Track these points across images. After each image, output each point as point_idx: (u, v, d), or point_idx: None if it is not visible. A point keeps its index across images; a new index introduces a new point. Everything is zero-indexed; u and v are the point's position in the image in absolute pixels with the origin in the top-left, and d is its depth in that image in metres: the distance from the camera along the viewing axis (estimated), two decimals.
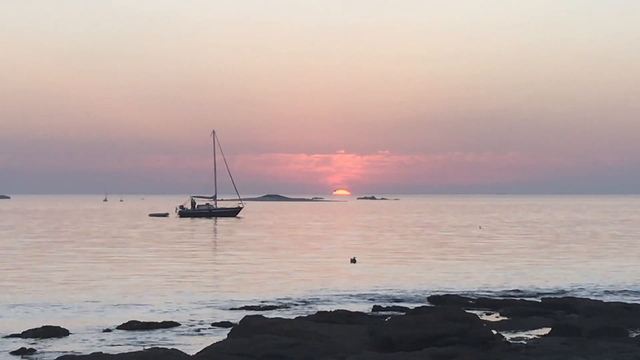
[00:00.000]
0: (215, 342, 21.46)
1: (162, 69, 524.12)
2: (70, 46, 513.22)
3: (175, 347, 21.73)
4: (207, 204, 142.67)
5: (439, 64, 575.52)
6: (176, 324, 27.09)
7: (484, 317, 28.77)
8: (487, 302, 32.29)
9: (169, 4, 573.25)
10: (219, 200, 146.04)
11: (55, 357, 20.57)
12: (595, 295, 35.08)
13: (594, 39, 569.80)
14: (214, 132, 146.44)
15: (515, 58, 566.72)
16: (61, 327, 25.44)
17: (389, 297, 34.63)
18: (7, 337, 24.67)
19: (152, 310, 30.44)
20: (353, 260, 51.96)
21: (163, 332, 25.92)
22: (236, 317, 27.71)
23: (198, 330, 26.38)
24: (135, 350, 21.11)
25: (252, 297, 34.35)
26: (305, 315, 27.57)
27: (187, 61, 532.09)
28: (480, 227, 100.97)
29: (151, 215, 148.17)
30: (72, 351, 22.41)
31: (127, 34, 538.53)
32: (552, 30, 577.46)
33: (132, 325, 26.46)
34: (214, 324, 27.29)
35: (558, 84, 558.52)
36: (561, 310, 29.33)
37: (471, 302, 32.80)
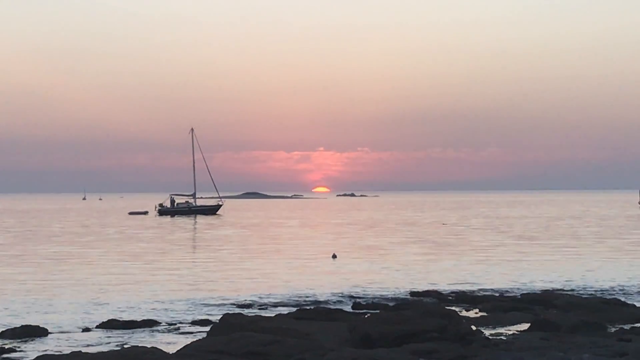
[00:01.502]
0: (195, 340, 21.45)
1: (140, 67, 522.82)
2: (48, 45, 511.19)
3: (155, 345, 21.69)
4: (187, 202, 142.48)
5: (418, 61, 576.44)
6: (156, 323, 27.05)
7: (464, 313, 28.87)
8: (466, 298, 32.41)
9: (148, 2, 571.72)
10: (198, 198, 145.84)
11: (34, 357, 20.50)
12: (574, 291, 35.23)
13: (572, 36, 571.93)
14: (192, 130, 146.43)
15: (494, 55, 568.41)
16: (40, 326, 25.36)
17: (368, 293, 34.67)
18: None
19: (131, 309, 30.38)
20: (334, 257, 52.06)
21: (143, 330, 25.88)
22: (216, 315, 27.71)
23: (178, 328, 26.34)
24: (115, 349, 21.11)
25: (232, 295, 34.34)
26: (285, 313, 27.58)
27: (166, 59, 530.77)
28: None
29: (130, 213, 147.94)
30: (52, 350, 22.35)
31: (106, 32, 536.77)
32: (530, 27, 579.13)
33: (111, 324, 26.41)
34: (193, 322, 27.26)
35: (536, 81, 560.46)
36: (540, 306, 29.44)
37: (450, 298, 32.93)
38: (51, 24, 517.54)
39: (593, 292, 34.80)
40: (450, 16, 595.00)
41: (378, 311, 28.29)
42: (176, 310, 30.10)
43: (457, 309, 29.03)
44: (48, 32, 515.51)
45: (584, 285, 37.67)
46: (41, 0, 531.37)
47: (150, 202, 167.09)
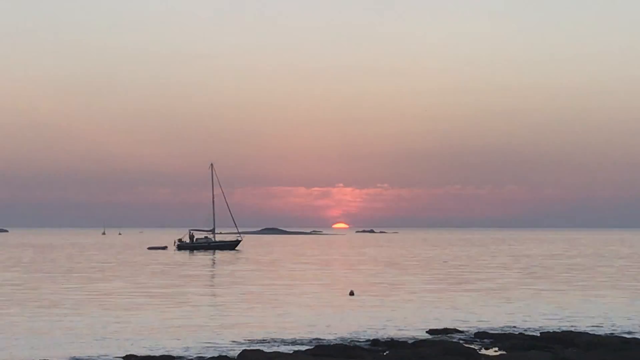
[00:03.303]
0: None
1: (160, 102, 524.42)
2: (68, 79, 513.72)
3: None
4: (206, 237, 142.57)
5: (438, 98, 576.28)
6: (174, 358, 27.00)
7: (483, 351, 28.71)
8: (485, 336, 32.24)
9: (166, 36, 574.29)
10: (217, 233, 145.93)
11: None
12: (594, 329, 35.00)
13: (590, 74, 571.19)
14: (212, 165, 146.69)
15: (514, 92, 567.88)
16: None
17: (386, 330, 34.54)
18: None
19: (149, 345, 30.35)
20: (351, 294, 51.93)
21: None
22: (234, 352, 27.66)
23: None
24: None
25: (250, 331, 34.27)
26: (304, 350, 27.51)
27: (186, 94, 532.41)
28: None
29: (150, 248, 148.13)
30: None
31: (125, 66, 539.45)
32: (549, 64, 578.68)
33: None
34: (211, 358, 27.20)
35: (556, 119, 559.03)
36: (560, 344, 29.25)
37: (470, 335, 32.77)
38: (71, 59, 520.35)
39: (613, 331, 34.56)
40: (470, 53, 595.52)
41: (397, 349, 28.21)
42: (194, 347, 30.04)
43: (476, 347, 28.91)
44: (68, 67, 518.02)
45: (604, 324, 37.42)
46: (62, 35, 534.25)
47: (170, 237, 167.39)
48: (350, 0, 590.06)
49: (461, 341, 30.59)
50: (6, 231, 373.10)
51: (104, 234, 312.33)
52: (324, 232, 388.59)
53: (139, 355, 27.05)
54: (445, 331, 33.72)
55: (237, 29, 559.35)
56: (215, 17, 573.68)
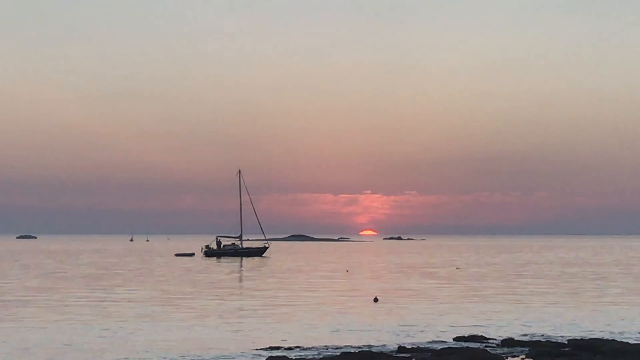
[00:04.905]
0: None
1: (188, 109, 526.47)
2: (97, 86, 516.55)
3: None
4: (233, 244, 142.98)
5: (466, 104, 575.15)
6: None
7: (510, 359, 28.55)
8: (512, 343, 32.07)
9: (195, 43, 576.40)
10: (244, 240, 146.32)
11: None
12: (622, 337, 34.73)
13: (621, 79, 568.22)
14: (239, 171, 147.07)
15: (543, 98, 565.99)
16: None
17: (412, 337, 34.41)
18: None
19: (174, 352, 30.37)
20: (376, 300, 51.88)
21: None
22: (260, 358, 27.61)
23: None
24: None
25: (276, 337, 34.24)
26: (329, 356, 27.43)
27: (213, 100, 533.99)
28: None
29: (177, 254, 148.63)
30: None
31: (153, 74, 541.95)
32: (580, 70, 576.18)
33: None
34: None
35: (586, 125, 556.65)
36: (588, 352, 29.04)
37: (496, 343, 32.61)
38: (99, 67, 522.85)
39: None
40: (498, 58, 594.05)
41: (423, 355, 28.11)
42: (220, 354, 30.02)
43: (502, 354, 28.75)
44: (97, 74, 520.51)
45: (632, 331, 37.14)
46: (94, 46, 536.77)
47: (197, 243, 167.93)
48: (376, 7, 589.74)
49: (488, 348, 30.42)
50: (35, 238, 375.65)
51: (131, 240, 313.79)
52: (351, 239, 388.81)
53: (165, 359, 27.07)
54: (472, 338, 33.54)
55: (266, 37, 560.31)
56: (245, 26, 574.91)
